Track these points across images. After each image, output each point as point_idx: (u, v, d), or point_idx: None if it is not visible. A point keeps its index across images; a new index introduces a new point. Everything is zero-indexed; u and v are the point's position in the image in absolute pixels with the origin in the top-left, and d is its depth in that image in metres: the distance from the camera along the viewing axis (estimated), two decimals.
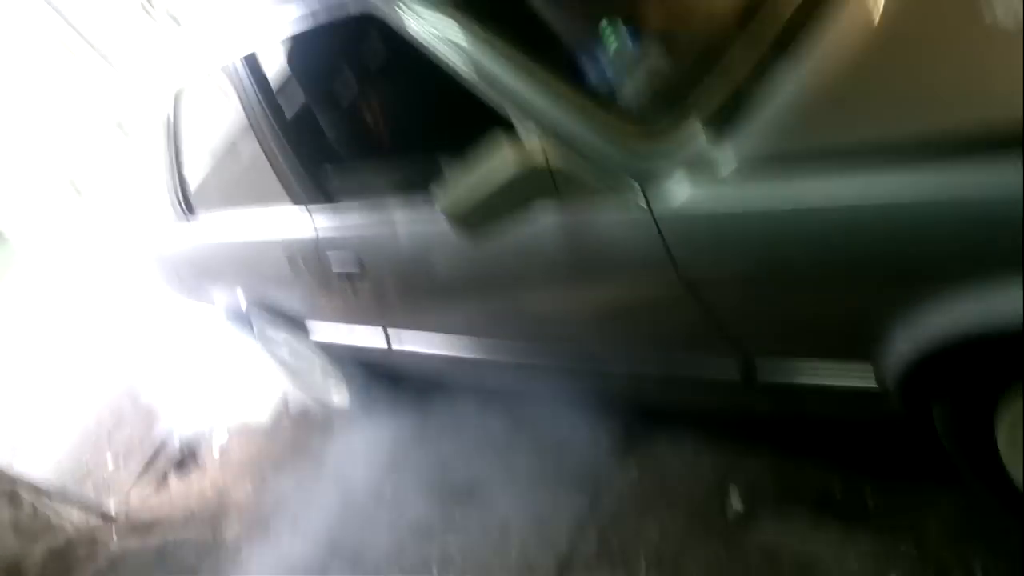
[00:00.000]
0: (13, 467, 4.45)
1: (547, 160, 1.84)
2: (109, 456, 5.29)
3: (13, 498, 4.30)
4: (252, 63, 2.73)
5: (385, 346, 3.03)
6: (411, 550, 3.12)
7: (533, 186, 1.85)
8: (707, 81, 1.79)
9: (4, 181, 11.97)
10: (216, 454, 4.44)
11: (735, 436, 2.57)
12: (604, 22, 1.99)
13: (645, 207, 1.77)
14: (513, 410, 3.05)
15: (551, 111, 1.86)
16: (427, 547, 3.08)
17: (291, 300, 3.33)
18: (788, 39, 1.75)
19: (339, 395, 3.81)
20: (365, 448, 3.62)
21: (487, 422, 3.18)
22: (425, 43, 2.03)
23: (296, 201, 2.81)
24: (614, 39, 1.90)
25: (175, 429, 4.82)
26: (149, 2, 7.23)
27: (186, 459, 4.60)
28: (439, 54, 2.01)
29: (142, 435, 5.09)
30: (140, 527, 4.02)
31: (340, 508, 3.49)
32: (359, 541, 3.30)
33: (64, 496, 4.32)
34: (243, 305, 3.56)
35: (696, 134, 1.73)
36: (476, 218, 1.88)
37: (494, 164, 1.83)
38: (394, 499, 3.37)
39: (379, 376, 3.50)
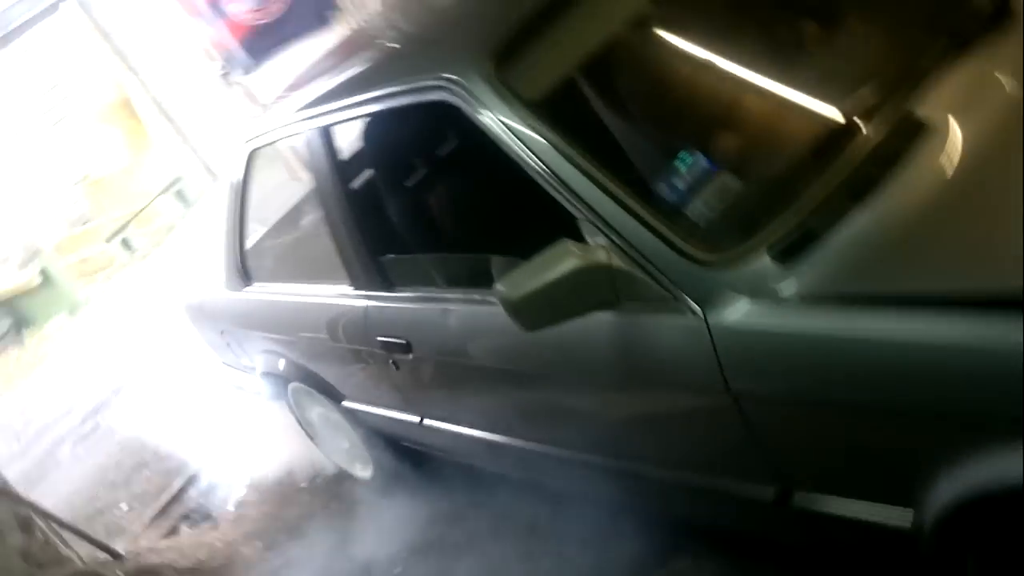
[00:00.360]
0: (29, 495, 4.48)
1: (609, 262, 1.92)
2: (124, 498, 5.33)
3: (27, 524, 4.32)
4: (327, 136, 2.83)
5: (417, 420, 3.08)
6: None
7: (592, 285, 1.92)
8: (777, 210, 1.86)
9: (56, 229, 12.32)
10: (232, 508, 4.47)
11: (759, 560, 2.55)
12: (682, 139, 2.09)
13: (702, 319, 1.83)
14: (539, 505, 3.05)
15: (619, 218, 1.93)
16: None
17: (330, 370, 3.41)
18: (862, 180, 1.82)
19: (363, 467, 3.85)
20: (381, 524, 3.63)
21: (510, 514, 3.19)
22: (500, 139, 2.12)
23: (352, 280, 2.92)
24: (690, 156, 1.99)
25: (194, 480, 4.86)
26: (227, 73, 7.48)
27: (201, 510, 4.64)
28: (512, 151, 2.09)
29: (160, 482, 5.14)
30: (146, 570, 4.02)
31: None
32: None
33: (76, 529, 4.33)
34: (281, 369, 3.63)
35: (760, 260, 1.79)
36: (532, 307, 1.93)
37: (557, 257, 1.91)
38: None
39: (406, 452, 3.54)
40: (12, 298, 10.98)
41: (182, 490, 4.91)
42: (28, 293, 10.75)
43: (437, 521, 3.48)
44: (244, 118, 6.64)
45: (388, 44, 2.92)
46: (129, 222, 11.19)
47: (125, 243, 10.83)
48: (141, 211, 11.38)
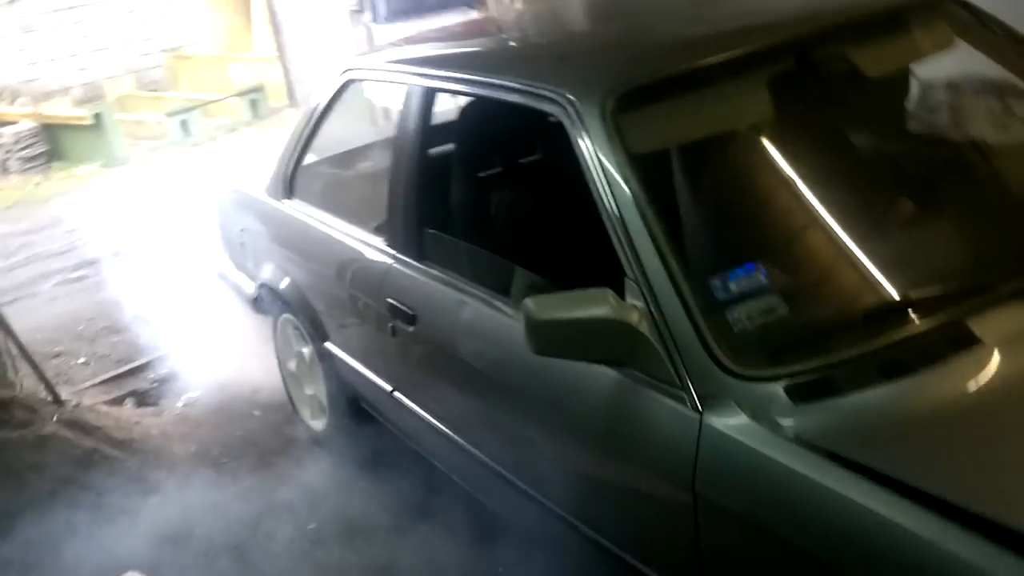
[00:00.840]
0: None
1: (637, 326, 1.96)
2: (84, 353, 5.35)
3: None
4: (428, 97, 2.86)
5: (389, 390, 3.12)
6: None
7: (613, 339, 1.96)
8: (809, 350, 1.90)
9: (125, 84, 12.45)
10: (179, 405, 4.49)
11: None
12: (751, 247, 2.13)
13: (697, 415, 1.87)
14: (466, 522, 3.09)
15: (664, 291, 1.96)
16: None
17: (327, 309, 3.46)
18: (897, 362, 1.85)
19: (317, 419, 3.88)
20: (313, 479, 3.66)
21: (433, 518, 3.23)
22: (588, 171, 2.15)
23: (389, 236, 2.97)
24: (753, 267, 2.02)
25: (156, 363, 4.87)
26: (358, 12, 7.55)
27: (151, 394, 4.66)
28: (594, 187, 2.13)
29: (124, 352, 5.16)
30: (80, 425, 4.04)
31: (250, 516, 3.54)
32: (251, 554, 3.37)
33: (32, 360, 4.35)
34: (281, 288, 3.67)
35: (774, 387, 1.83)
36: (549, 333, 1.98)
37: (593, 299, 1.96)
38: (296, 539, 3.42)
39: (364, 419, 3.55)
40: (58, 128, 11.06)
41: (142, 367, 4.92)
42: (74, 129, 10.82)
43: (364, 501, 3.51)
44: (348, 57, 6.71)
45: (510, 41, 2.99)
46: (196, 108, 11.25)
47: (184, 125, 10.87)
48: (211, 102, 11.46)
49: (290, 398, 4.10)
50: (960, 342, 1.87)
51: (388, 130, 3.83)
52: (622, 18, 3.00)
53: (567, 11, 3.46)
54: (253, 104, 11.35)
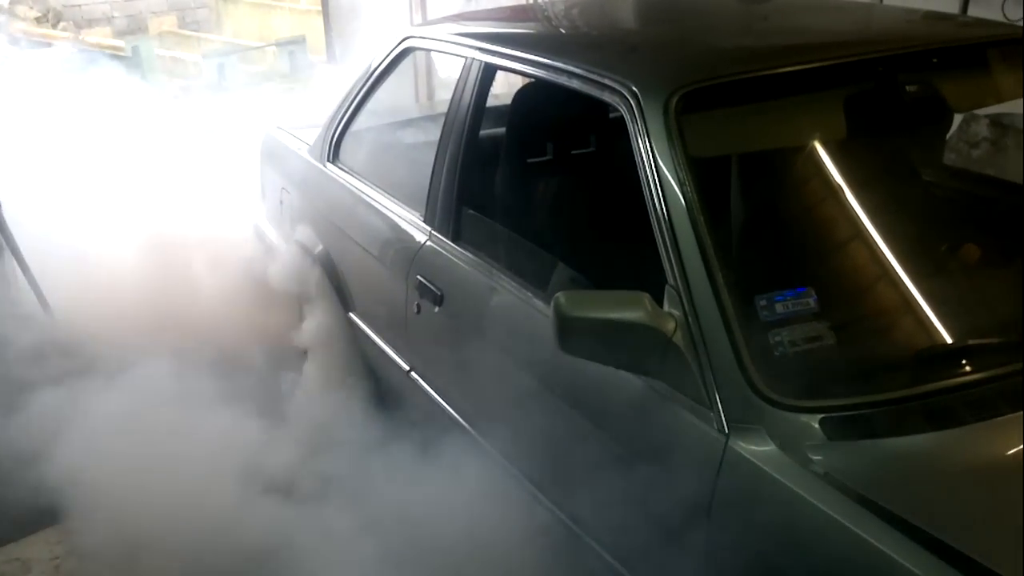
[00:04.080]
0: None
1: (672, 336, 1.85)
2: None
3: None
4: (486, 73, 2.75)
5: (406, 369, 3.02)
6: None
7: (645, 347, 1.86)
8: (853, 386, 1.81)
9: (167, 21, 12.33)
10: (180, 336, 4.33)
11: None
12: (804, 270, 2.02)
13: (723, 439, 1.78)
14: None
15: (705, 303, 1.86)
16: None
17: (357, 279, 3.37)
18: (946, 412, 1.75)
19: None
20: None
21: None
22: (641, 169, 2.04)
23: (427, 214, 2.88)
24: (804, 292, 1.91)
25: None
26: None
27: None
28: (646, 186, 2.02)
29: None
30: (74, 345, 3.99)
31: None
32: None
33: (31, 278, 4.32)
34: (315, 252, 3.58)
35: (808, 420, 1.73)
36: (579, 332, 1.87)
37: (629, 302, 1.86)
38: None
39: (377, 394, 3.45)
40: (95, 56, 10.98)
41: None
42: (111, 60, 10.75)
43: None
44: (397, 23, 6.58)
45: (578, 26, 2.90)
46: (234, 53, 11.15)
47: (220, 69, 10.76)
48: (251, 49, 11.36)
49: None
50: (1017, 398, 1.75)
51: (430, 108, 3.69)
52: (692, 17, 2.89)
53: (630, 5, 3.35)
54: (291, 56, 11.20)
